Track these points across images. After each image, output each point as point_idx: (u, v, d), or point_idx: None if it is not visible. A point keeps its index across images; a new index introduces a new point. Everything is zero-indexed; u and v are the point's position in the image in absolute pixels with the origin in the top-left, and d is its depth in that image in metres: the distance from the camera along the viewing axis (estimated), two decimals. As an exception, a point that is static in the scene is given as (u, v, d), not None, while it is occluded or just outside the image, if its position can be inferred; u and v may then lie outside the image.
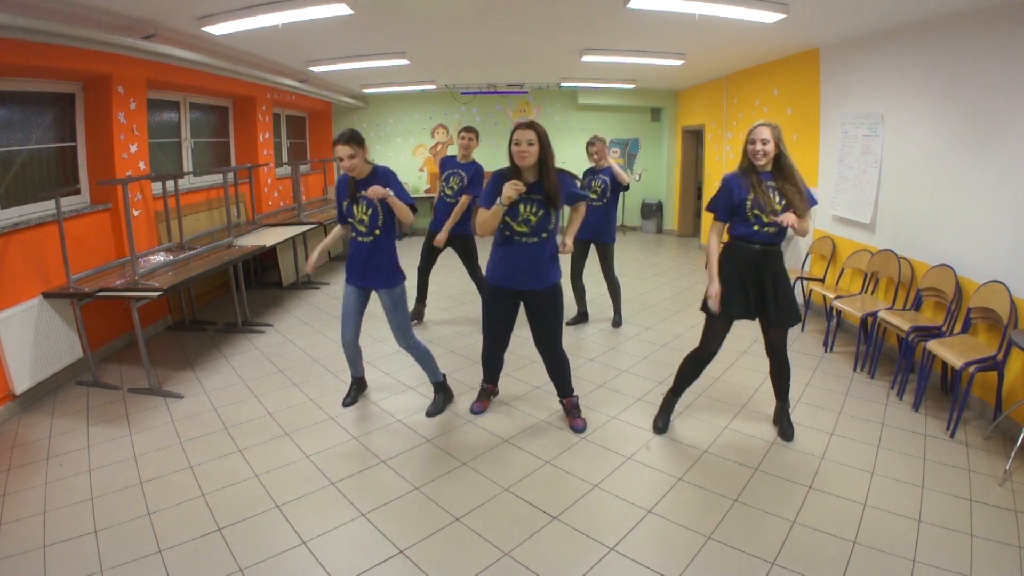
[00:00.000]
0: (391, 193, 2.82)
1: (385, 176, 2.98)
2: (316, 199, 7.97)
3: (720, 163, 7.50)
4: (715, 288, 2.74)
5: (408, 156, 9.36)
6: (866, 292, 4.22)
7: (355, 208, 2.98)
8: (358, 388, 3.43)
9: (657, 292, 5.86)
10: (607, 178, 4.38)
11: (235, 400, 3.44)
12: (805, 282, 4.90)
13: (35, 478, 2.64)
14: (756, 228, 2.70)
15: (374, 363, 3.97)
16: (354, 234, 3.03)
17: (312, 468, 2.72)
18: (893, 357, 3.89)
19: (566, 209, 2.92)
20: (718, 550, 2.15)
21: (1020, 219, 3.02)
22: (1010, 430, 2.90)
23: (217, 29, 3.89)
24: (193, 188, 5.36)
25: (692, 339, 4.41)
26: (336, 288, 6.11)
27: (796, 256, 5.45)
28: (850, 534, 2.21)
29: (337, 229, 3.17)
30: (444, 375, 3.34)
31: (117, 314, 4.21)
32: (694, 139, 8.85)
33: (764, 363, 3.91)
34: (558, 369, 3.04)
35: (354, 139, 2.89)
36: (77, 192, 4.12)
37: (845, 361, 3.98)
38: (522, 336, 4.46)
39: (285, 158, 7.69)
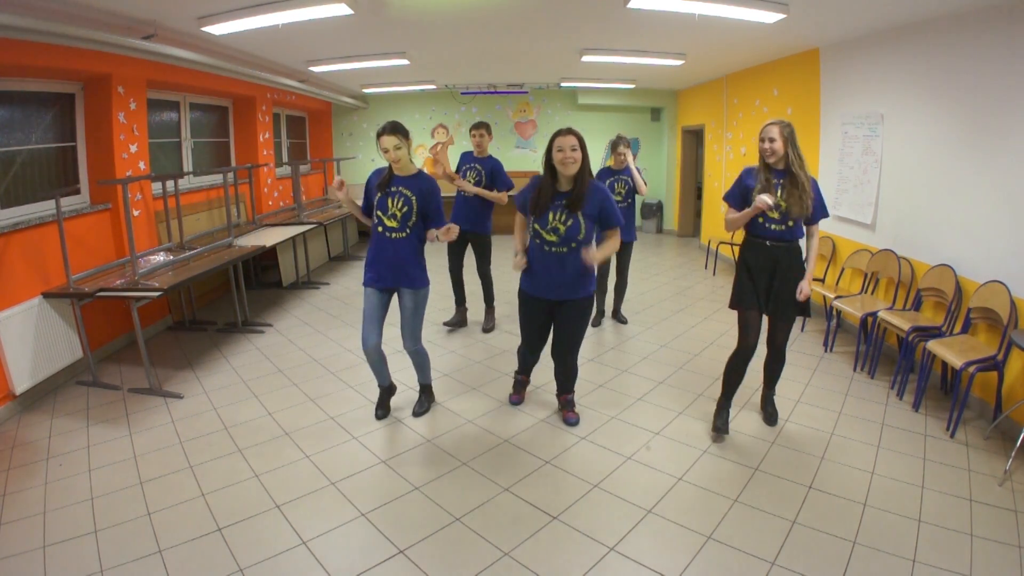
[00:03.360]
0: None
1: (431, 187, 2.91)
2: (316, 199, 7.97)
3: (720, 163, 7.50)
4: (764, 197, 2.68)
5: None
6: (866, 292, 4.22)
7: (389, 201, 2.85)
8: (389, 396, 3.26)
9: (657, 292, 5.86)
10: (628, 179, 4.49)
11: (235, 400, 3.44)
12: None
13: (35, 478, 2.64)
14: (761, 220, 2.77)
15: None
16: (381, 228, 2.88)
17: (312, 468, 2.72)
18: (893, 357, 3.89)
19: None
20: (718, 550, 2.15)
21: (1020, 219, 3.02)
22: (1010, 430, 2.90)
23: (217, 29, 3.89)
24: (193, 188, 5.36)
25: (692, 339, 4.43)
26: (336, 288, 6.11)
27: (796, 256, 5.44)
28: (850, 534, 2.21)
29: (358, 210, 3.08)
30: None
31: (117, 314, 4.21)
32: (694, 139, 8.85)
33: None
34: (566, 376, 3.09)
35: (399, 130, 2.80)
36: (77, 192, 4.12)
37: (845, 361, 3.98)
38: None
39: (285, 158, 7.70)
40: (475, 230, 4.41)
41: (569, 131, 2.62)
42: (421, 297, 2.97)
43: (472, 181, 4.37)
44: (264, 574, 2.04)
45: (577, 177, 2.65)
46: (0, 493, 2.53)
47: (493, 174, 4.38)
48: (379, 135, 2.80)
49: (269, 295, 5.83)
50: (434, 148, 9.39)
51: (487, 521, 2.33)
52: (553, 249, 2.69)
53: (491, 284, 4.63)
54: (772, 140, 2.70)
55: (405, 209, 2.84)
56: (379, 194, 2.88)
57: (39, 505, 2.43)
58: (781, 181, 2.74)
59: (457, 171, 4.49)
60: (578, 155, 2.60)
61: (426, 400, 3.29)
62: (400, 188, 2.85)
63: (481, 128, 4.43)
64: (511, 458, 2.80)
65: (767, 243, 2.79)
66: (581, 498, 2.48)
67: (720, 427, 2.95)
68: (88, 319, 3.70)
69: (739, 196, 2.87)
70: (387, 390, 3.22)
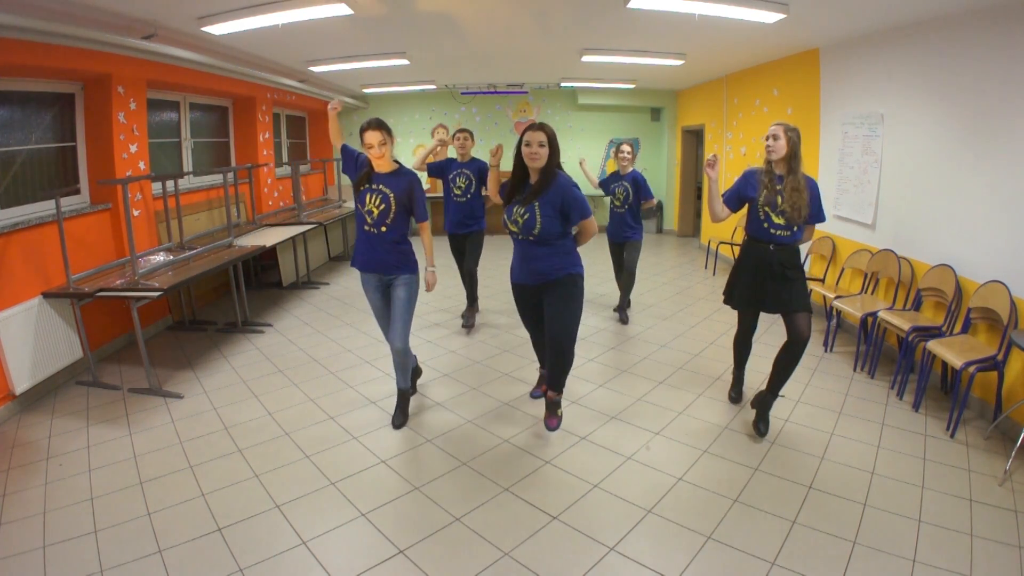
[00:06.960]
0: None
1: (411, 182, 2.90)
2: (316, 199, 7.96)
3: (720, 163, 7.49)
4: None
5: (408, 156, 9.36)
6: (866, 292, 4.22)
7: (368, 197, 2.86)
8: (408, 401, 3.18)
9: (657, 292, 5.86)
10: (628, 184, 4.62)
11: (235, 400, 3.44)
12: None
13: (35, 478, 2.64)
14: (766, 226, 2.82)
15: (373, 363, 3.97)
16: (360, 220, 2.94)
17: (312, 468, 2.72)
18: (893, 357, 3.89)
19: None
20: (718, 550, 2.15)
21: (1019, 219, 3.02)
22: (1010, 430, 2.90)
23: (217, 29, 3.89)
24: (193, 188, 5.36)
25: (692, 338, 4.43)
26: (336, 288, 6.11)
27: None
28: (850, 534, 2.21)
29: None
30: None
31: (117, 314, 4.21)
32: (694, 139, 8.85)
33: (765, 362, 3.92)
34: (556, 364, 2.88)
35: (384, 126, 2.81)
36: (77, 192, 4.12)
37: (845, 361, 3.98)
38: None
39: (285, 158, 7.69)
40: (474, 228, 4.57)
41: (540, 127, 2.65)
42: (414, 284, 2.98)
43: (462, 187, 4.45)
44: (264, 574, 2.04)
45: (543, 171, 2.68)
46: (0, 493, 2.53)
47: (481, 175, 4.48)
48: (363, 130, 2.78)
49: (269, 295, 5.83)
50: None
51: (487, 521, 2.33)
52: (520, 237, 2.77)
53: (476, 283, 4.80)
54: (776, 138, 2.74)
55: (382, 207, 2.85)
56: (361, 187, 2.90)
57: (39, 505, 2.43)
58: (781, 187, 2.77)
59: (446, 175, 4.53)
60: (544, 151, 2.63)
61: (406, 407, 3.17)
62: (379, 186, 2.86)
63: (466, 132, 4.54)
64: (511, 458, 2.80)
65: (771, 247, 2.83)
66: (581, 498, 2.48)
67: (734, 397, 3.36)
68: (88, 319, 3.70)
69: (735, 199, 2.93)
70: (405, 394, 3.15)
